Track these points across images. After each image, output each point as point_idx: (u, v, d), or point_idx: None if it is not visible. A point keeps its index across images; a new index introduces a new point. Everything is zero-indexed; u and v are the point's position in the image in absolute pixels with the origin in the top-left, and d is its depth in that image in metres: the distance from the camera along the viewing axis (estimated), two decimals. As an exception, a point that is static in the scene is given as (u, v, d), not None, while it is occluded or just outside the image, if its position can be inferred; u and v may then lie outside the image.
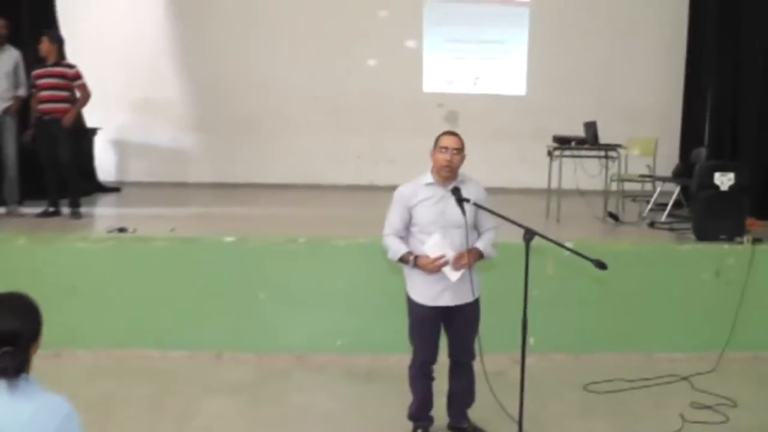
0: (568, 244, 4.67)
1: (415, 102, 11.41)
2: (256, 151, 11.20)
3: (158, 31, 11.31)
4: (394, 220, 4.47)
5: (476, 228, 4.51)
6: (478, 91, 11.65)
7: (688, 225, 7.31)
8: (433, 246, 4.34)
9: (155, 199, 9.64)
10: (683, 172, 9.15)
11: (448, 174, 4.36)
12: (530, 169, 9.98)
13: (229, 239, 6.48)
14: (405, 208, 4.42)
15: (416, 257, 4.37)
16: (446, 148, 4.35)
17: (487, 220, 4.51)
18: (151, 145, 11.41)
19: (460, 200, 4.28)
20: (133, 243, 6.51)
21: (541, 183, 8.72)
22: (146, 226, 7.04)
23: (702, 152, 9.03)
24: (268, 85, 11.22)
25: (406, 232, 4.48)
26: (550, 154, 8.27)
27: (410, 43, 11.64)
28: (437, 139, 4.44)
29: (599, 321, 6.43)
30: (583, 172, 8.24)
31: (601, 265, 4.12)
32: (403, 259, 4.42)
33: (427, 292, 4.45)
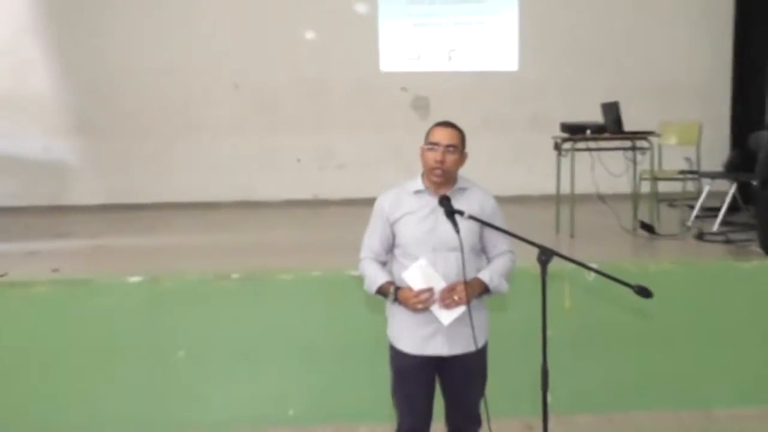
0: (593, 266, 4.63)
1: (369, 86, 11.46)
2: (159, 161, 11.20)
3: (22, 6, 11.21)
4: (371, 239, 4.43)
5: (484, 252, 4.46)
6: (455, 68, 11.73)
7: (751, 234, 7.42)
8: (414, 275, 4.23)
9: (27, 229, 9.57)
10: (739, 164, 9.21)
11: (440, 179, 4.29)
12: (530, 168, 10.10)
13: (134, 279, 6.40)
14: (386, 223, 4.37)
15: (397, 289, 4.30)
16: (437, 144, 4.28)
17: (498, 242, 4.43)
18: (16, 158, 11.29)
19: (451, 213, 4.18)
20: (4, 291, 6.38)
21: (546, 187, 8.80)
22: (19, 268, 6.99)
23: (764, 136, 8.98)
24: (171, 72, 11.21)
25: (388, 255, 4.44)
26: (557, 147, 8.34)
27: (360, 8, 11.72)
28: (428, 133, 4.38)
29: (637, 368, 6.45)
30: (603, 171, 8.24)
31: (645, 292, 4.05)
32: (381, 291, 4.36)
33: (412, 336, 4.37)
